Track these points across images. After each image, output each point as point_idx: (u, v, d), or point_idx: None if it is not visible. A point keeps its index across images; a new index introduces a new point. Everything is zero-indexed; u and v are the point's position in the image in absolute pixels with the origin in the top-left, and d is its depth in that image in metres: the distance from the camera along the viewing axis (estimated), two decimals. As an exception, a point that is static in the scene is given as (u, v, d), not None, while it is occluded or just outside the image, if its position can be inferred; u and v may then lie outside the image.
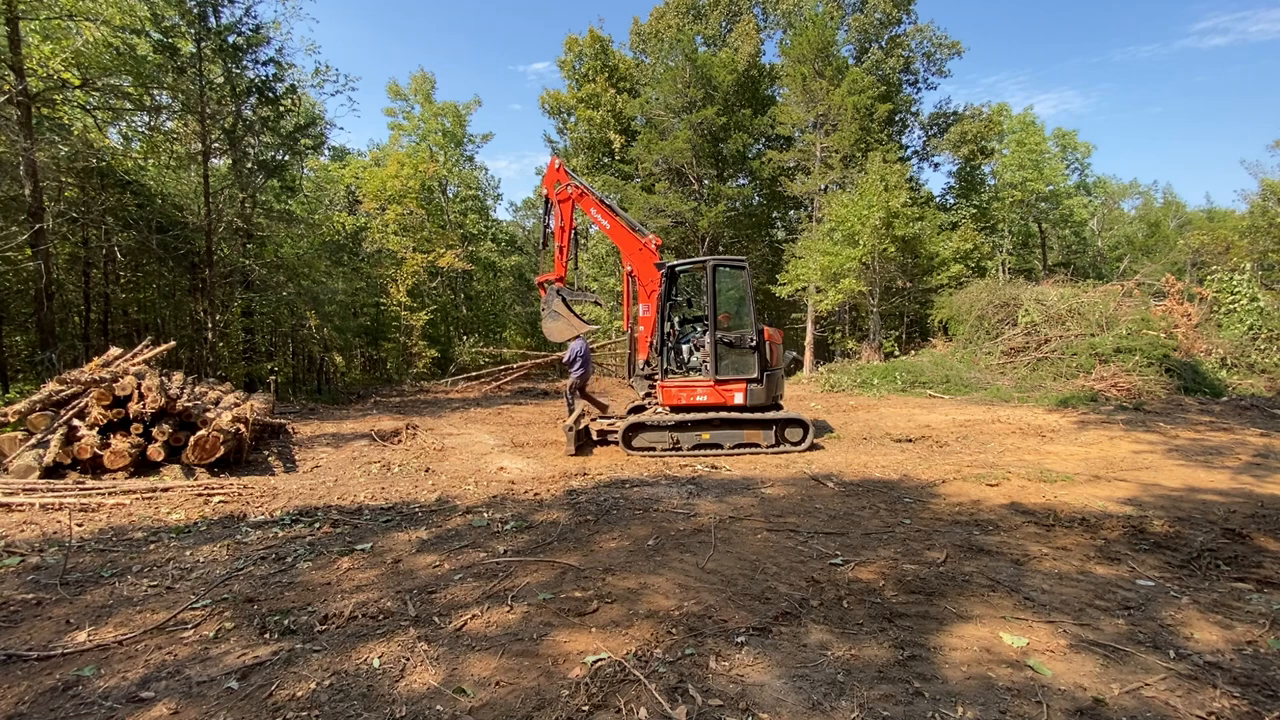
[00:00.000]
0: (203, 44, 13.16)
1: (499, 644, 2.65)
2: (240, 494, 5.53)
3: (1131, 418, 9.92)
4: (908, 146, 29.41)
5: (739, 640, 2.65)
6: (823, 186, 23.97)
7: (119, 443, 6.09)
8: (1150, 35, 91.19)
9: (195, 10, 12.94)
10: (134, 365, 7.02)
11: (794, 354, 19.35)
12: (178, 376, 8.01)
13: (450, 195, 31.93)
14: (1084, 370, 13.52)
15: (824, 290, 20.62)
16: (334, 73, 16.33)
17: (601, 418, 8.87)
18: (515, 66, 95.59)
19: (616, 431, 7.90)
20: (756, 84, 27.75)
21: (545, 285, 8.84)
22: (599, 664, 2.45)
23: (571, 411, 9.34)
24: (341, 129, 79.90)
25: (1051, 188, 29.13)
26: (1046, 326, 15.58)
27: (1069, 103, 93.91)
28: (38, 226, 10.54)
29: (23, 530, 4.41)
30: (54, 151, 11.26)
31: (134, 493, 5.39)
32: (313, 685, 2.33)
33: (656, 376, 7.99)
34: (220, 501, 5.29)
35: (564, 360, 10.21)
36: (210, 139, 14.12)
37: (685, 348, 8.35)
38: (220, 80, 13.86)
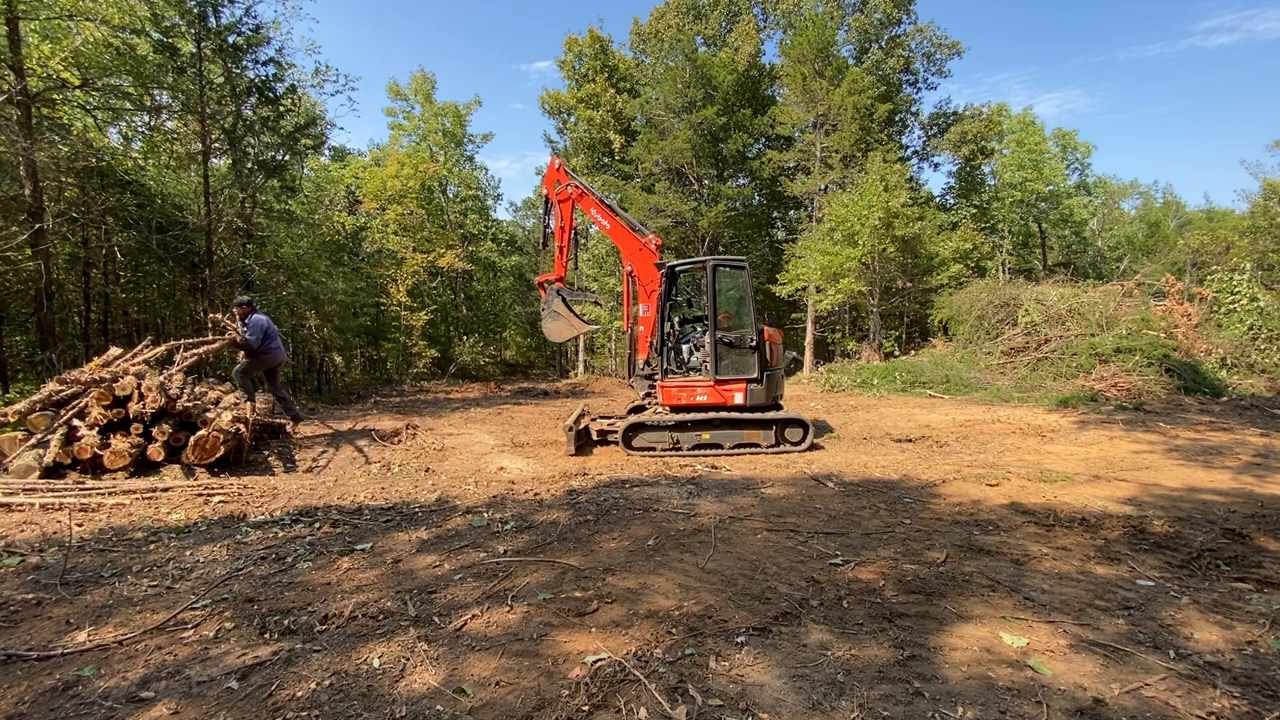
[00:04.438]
0: (203, 44, 13.16)
1: (499, 644, 2.65)
2: (240, 494, 5.53)
3: (1131, 418, 9.91)
4: (908, 146, 29.46)
5: (739, 640, 2.65)
6: (823, 186, 23.99)
7: (119, 443, 6.08)
8: (1155, 34, 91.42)
9: (195, 10, 12.94)
10: (134, 365, 7.02)
11: (794, 354, 19.34)
12: (178, 377, 8.01)
13: (450, 195, 31.92)
14: (1084, 370, 13.52)
15: (824, 290, 20.63)
16: (334, 73, 16.36)
17: (602, 417, 8.86)
18: (517, 66, 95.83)
19: (616, 431, 7.91)
20: (756, 84, 27.75)
21: (545, 285, 8.84)
22: (599, 664, 2.45)
23: (252, 399, 8.08)
24: (341, 129, 79.79)
25: (1051, 188, 29.16)
26: (1046, 326, 15.59)
27: (1073, 102, 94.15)
28: (38, 226, 10.54)
29: (23, 530, 4.41)
30: (54, 151, 11.26)
31: (134, 493, 5.39)
32: (313, 685, 2.33)
33: (656, 376, 7.99)
34: (220, 501, 5.29)
35: (248, 339, 8.18)
36: (210, 139, 14.12)
37: (685, 348, 8.35)
38: (220, 80, 13.86)
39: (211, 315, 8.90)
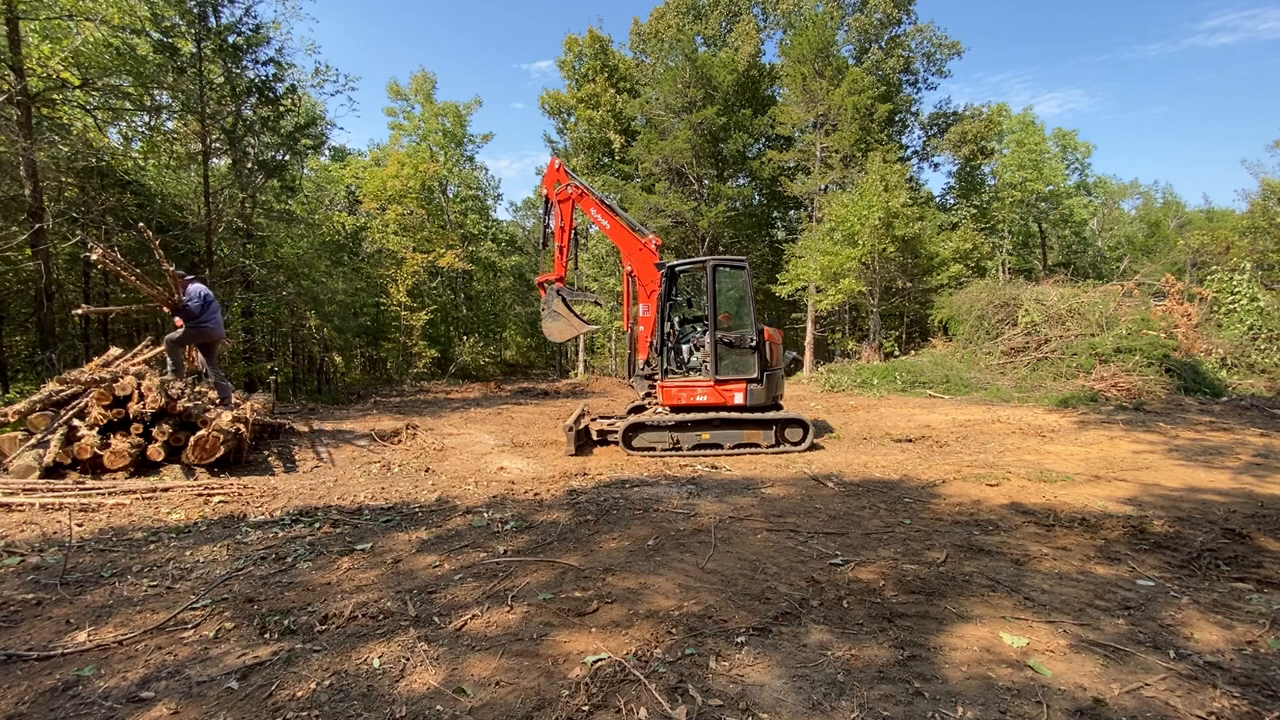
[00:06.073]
0: (203, 44, 13.17)
1: (499, 644, 2.65)
2: (240, 494, 5.53)
3: (1131, 418, 9.91)
4: (908, 146, 29.43)
5: (739, 640, 2.65)
6: (823, 186, 23.98)
7: (119, 443, 6.08)
8: (1158, 33, 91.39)
9: (195, 10, 12.96)
10: (134, 365, 7.02)
11: (794, 354, 19.31)
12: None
13: (450, 195, 31.93)
14: (1084, 370, 13.52)
15: (824, 290, 20.63)
16: (334, 73, 16.41)
17: (602, 417, 8.86)
18: (517, 65, 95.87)
19: (616, 431, 7.91)
20: (756, 84, 27.75)
21: (545, 285, 8.84)
22: (599, 664, 2.44)
23: (180, 372, 7.27)
24: (342, 129, 79.60)
25: (1051, 188, 29.15)
26: (1046, 326, 15.59)
27: (1074, 102, 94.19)
28: (38, 226, 10.54)
29: (23, 530, 4.41)
30: (54, 151, 11.28)
31: (134, 493, 5.39)
32: (313, 685, 2.33)
33: (656, 376, 7.99)
34: (220, 501, 5.29)
35: (187, 304, 7.21)
36: (210, 139, 14.14)
37: (685, 348, 8.35)
38: (220, 80, 13.88)
39: (144, 231, 7.30)
